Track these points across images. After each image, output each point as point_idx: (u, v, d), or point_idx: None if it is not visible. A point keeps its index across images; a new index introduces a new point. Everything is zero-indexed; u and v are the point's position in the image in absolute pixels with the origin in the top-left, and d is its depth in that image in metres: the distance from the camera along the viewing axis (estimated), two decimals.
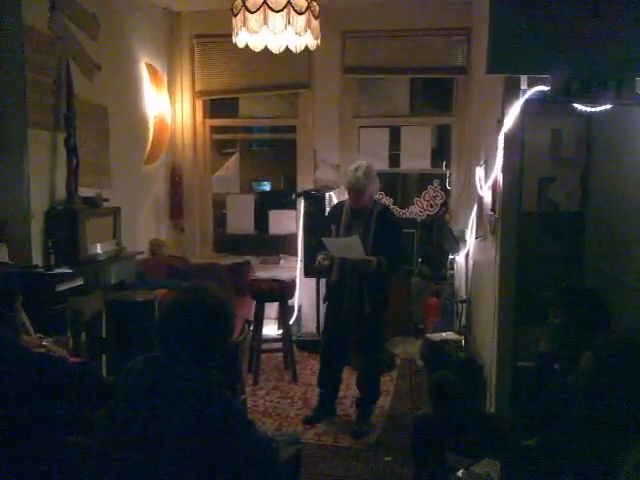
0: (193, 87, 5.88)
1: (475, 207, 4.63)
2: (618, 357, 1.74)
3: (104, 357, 3.68)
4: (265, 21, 3.24)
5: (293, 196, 6.18)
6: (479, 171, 4.35)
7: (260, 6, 3.23)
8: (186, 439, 1.66)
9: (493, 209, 3.60)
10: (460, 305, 5.02)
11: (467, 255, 5.06)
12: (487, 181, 3.89)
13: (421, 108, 6.41)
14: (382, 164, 5.63)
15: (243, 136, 7.93)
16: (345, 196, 3.95)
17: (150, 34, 5.41)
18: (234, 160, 9.31)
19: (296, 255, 5.67)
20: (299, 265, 5.51)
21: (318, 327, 5.27)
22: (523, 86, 3.06)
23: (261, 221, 6.18)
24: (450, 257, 5.36)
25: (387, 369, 4.69)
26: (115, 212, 4.35)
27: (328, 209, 4.81)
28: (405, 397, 4.29)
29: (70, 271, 3.55)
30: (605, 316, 2.39)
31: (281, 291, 4.64)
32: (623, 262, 3.87)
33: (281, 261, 5.96)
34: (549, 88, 2.94)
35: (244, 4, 3.26)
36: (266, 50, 3.57)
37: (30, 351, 2.18)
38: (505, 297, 3.31)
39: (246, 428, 1.78)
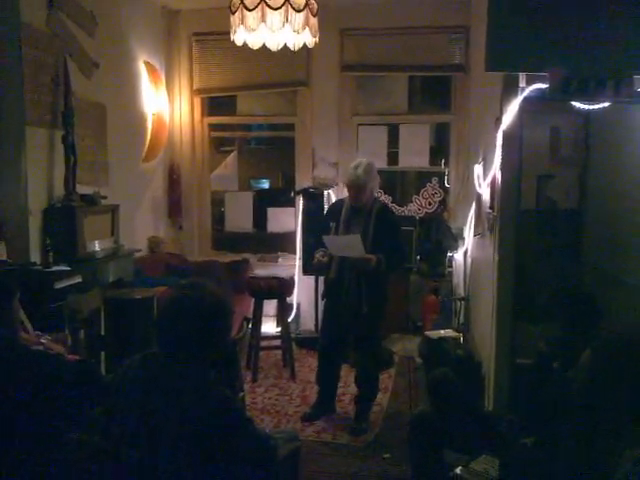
0: (191, 85, 5.87)
1: (473, 205, 4.63)
2: (617, 355, 1.74)
3: (102, 355, 3.68)
4: (263, 19, 3.24)
5: (292, 194, 6.18)
6: (477, 169, 4.35)
7: (258, 4, 3.22)
8: (184, 436, 1.66)
9: (491, 207, 3.60)
10: (458, 302, 5.03)
11: (465, 253, 5.06)
12: (485, 179, 3.89)
13: (419, 106, 6.41)
14: (381, 162, 5.62)
15: (241, 134, 7.91)
16: (344, 194, 3.95)
17: (148, 32, 5.41)
18: (232, 158, 9.28)
19: (295, 253, 5.68)
20: (298, 263, 5.51)
21: (317, 325, 5.27)
22: (522, 84, 3.06)
23: (260, 219, 6.18)
24: (448, 255, 5.37)
25: (385, 366, 4.69)
26: (113, 210, 4.34)
27: (327, 207, 4.81)
28: (403, 394, 4.29)
29: (68, 269, 3.54)
30: (597, 318, 2.41)
31: (280, 289, 4.64)
32: (621, 260, 3.88)
33: (280, 259, 5.96)
34: (547, 86, 2.94)
35: (242, 2, 3.26)
36: (264, 48, 3.56)
37: (28, 349, 2.18)
38: (503, 294, 3.31)
39: (244, 425, 1.78)
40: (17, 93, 3.51)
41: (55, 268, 3.48)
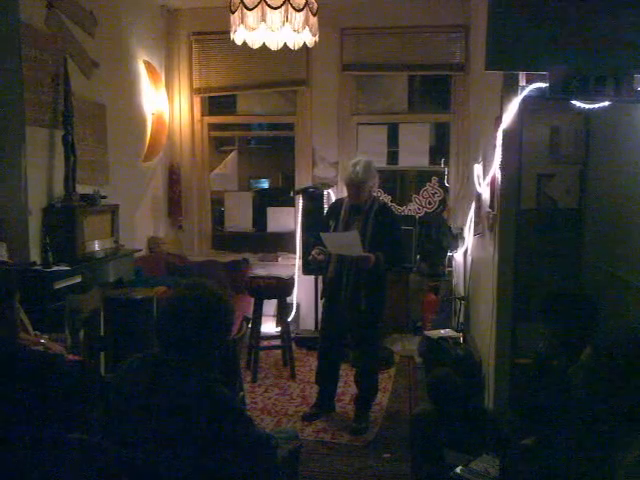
0: (191, 84, 5.87)
1: (473, 204, 4.62)
2: (617, 352, 1.74)
3: (102, 355, 3.67)
4: (263, 18, 3.23)
5: (291, 193, 6.18)
6: (477, 168, 4.35)
7: (258, 3, 3.22)
8: (185, 436, 1.66)
9: (491, 206, 3.60)
10: (458, 302, 5.02)
11: (465, 252, 5.06)
12: (485, 178, 3.89)
13: (419, 105, 6.40)
14: (380, 161, 5.62)
15: (241, 133, 7.91)
16: (344, 193, 3.95)
17: (148, 31, 5.40)
18: (232, 157, 9.28)
19: (294, 252, 5.68)
20: (297, 262, 5.51)
21: (316, 324, 5.27)
22: (522, 83, 3.05)
23: (259, 219, 6.18)
24: (448, 254, 5.36)
25: (385, 366, 4.70)
26: (113, 209, 4.34)
27: (326, 206, 4.81)
28: (403, 394, 4.29)
29: (68, 269, 3.55)
30: (597, 317, 2.41)
31: (279, 288, 4.63)
32: (621, 259, 3.87)
33: (279, 258, 5.96)
34: (548, 85, 2.93)
35: (242, 1, 3.25)
36: (264, 47, 3.56)
37: (28, 349, 2.18)
38: (503, 294, 3.31)
39: (245, 425, 1.78)
40: (17, 93, 3.51)
41: (55, 268, 3.48)
